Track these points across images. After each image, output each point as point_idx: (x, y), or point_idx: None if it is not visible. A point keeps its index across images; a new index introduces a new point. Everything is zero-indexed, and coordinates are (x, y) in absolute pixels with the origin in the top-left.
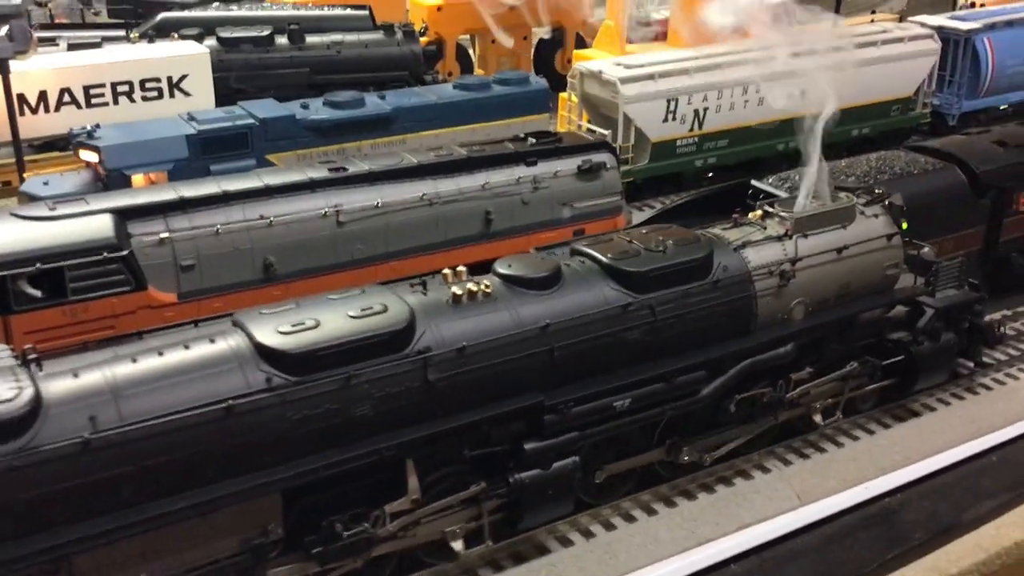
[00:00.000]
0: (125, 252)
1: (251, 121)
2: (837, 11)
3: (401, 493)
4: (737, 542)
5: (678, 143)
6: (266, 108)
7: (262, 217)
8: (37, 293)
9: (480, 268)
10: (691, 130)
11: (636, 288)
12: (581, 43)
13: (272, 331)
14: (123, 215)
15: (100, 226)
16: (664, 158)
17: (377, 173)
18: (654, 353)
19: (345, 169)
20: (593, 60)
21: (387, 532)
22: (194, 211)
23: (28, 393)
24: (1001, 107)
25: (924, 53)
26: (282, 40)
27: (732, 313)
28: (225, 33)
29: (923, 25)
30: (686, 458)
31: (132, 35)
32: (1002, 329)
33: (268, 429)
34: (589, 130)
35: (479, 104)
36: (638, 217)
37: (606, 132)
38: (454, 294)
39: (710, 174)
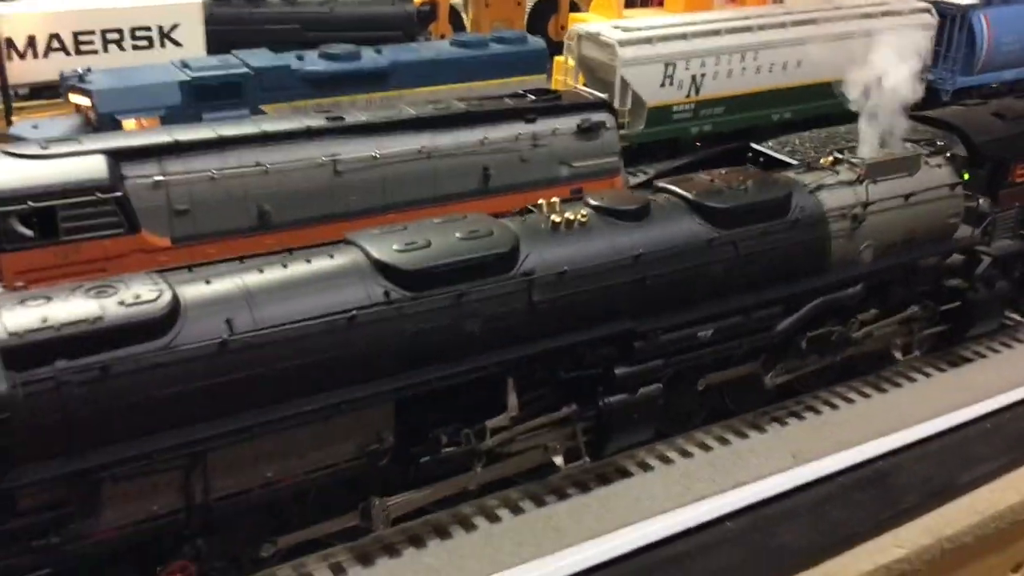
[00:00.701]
0: (118, 193)
1: (245, 70)
2: None
3: (502, 410)
4: (732, 500)
5: (674, 109)
6: (261, 58)
7: (258, 164)
8: (28, 232)
9: None
10: (688, 96)
11: (720, 224)
12: (575, 8)
13: (388, 248)
14: (117, 156)
15: (93, 166)
16: (660, 123)
17: (375, 124)
18: (735, 287)
19: (343, 119)
20: (590, 23)
21: (487, 447)
22: (189, 155)
23: (168, 295)
24: (993, 85)
25: (920, 27)
26: None
27: (808, 252)
28: None
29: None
30: (774, 380)
31: None
32: None
33: (386, 340)
34: (589, 94)
35: (476, 62)
36: (632, 182)
37: (603, 96)
38: (554, 221)
39: (698, 144)
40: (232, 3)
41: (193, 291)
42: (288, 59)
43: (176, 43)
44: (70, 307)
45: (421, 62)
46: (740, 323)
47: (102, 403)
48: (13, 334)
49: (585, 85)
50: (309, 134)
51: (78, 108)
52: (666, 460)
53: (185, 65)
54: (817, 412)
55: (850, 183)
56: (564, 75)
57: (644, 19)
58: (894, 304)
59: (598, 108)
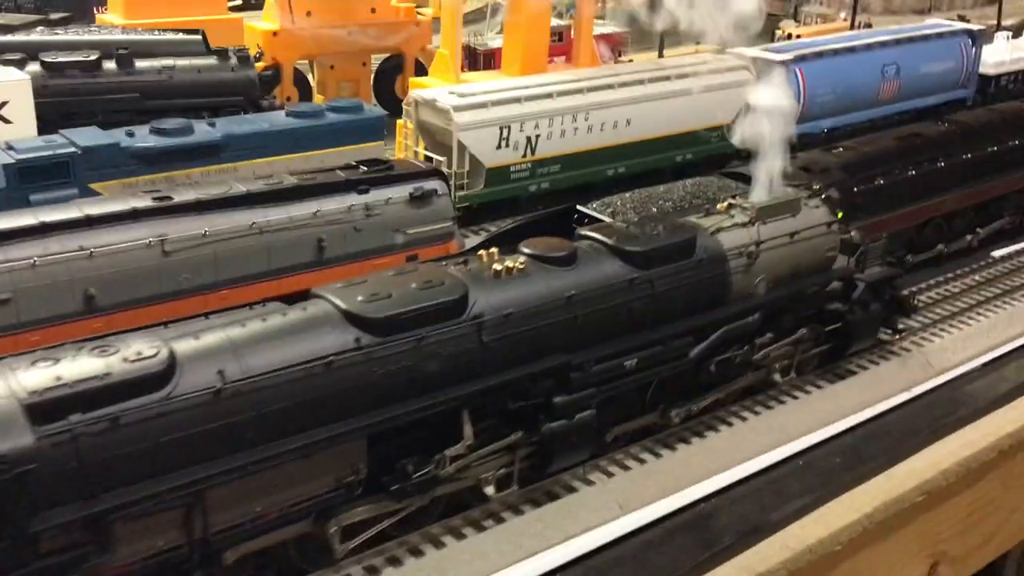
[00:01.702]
0: None
1: (73, 149)
2: (661, 45)
3: (458, 439)
4: (562, 553)
5: (512, 168)
6: (89, 136)
7: (82, 248)
8: None
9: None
10: (524, 156)
11: (639, 265)
12: (421, 69)
13: (354, 300)
14: None
15: None
16: (499, 183)
17: (204, 202)
18: (653, 320)
19: (171, 198)
20: (428, 88)
21: (447, 474)
22: (9, 243)
23: (165, 351)
24: (821, 133)
25: (740, 83)
26: (110, 65)
27: (712, 287)
28: (49, 58)
29: (740, 56)
30: (676, 419)
31: None
32: (915, 300)
33: (357, 382)
34: (426, 157)
35: (312, 132)
36: (471, 242)
37: (442, 158)
38: (495, 269)
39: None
40: (67, 74)
41: (186, 345)
42: (118, 136)
43: (5, 120)
44: (79, 365)
45: (256, 134)
46: (659, 352)
47: (112, 451)
48: (34, 392)
49: (425, 148)
50: (135, 215)
51: None
52: (498, 519)
53: (10, 147)
54: (641, 461)
55: (743, 225)
56: (405, 138)
57: (479, 83)
58: (786, 329)
59: (430, 176)
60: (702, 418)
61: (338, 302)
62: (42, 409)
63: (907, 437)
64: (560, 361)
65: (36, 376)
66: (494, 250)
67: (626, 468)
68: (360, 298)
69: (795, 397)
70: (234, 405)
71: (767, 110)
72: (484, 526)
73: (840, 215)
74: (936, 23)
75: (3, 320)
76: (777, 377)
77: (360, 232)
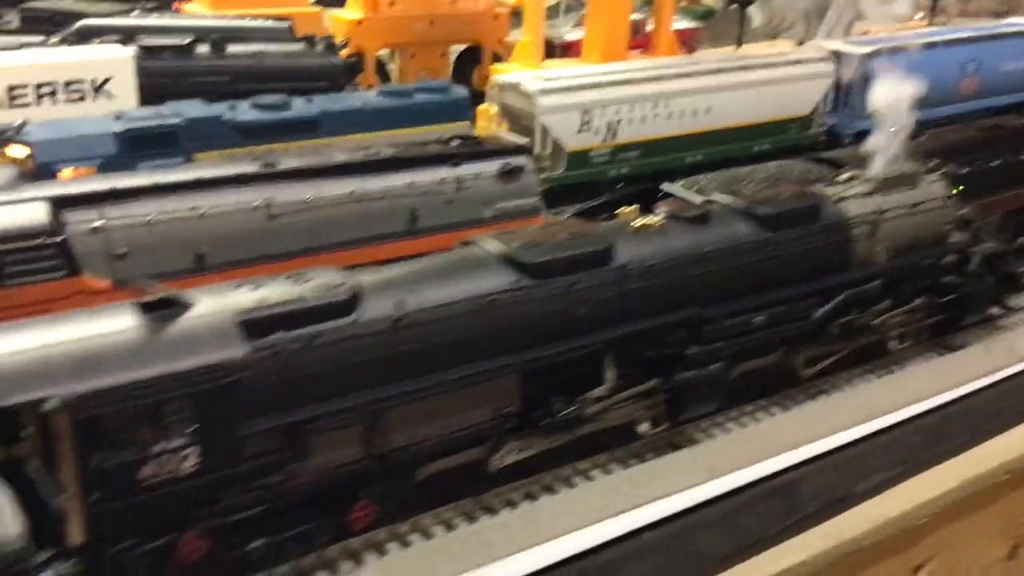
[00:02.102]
0: (60, 238)
1: (178, 120)
2: (740, 37)
3: (600, 383)
4: (651, 512)
5: (592, 153)
6: (193, 108)
7: (194, 208)
8: None
9: None
10: (605, 141)
11: (767, 227)
12: (497, 59)
13: (513, 245)
14: (58, 203)
15: (35, 212)
16: (579, 167)
17: (307, 170)
18: (779, 281)
19: (276, 165)
20: (511, 73)
21: (589, 414)
22: (127, 201)
23: (351, 282)
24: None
25: (820, 75)
26: (203, 49)
27: (835, 252)
28: (147, 41)
29: (819, 48)
30: (805, 371)
31: (52, 41)
32: None
33: (515, 321)
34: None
35: (402, 110)
36: None
37: (525, 141)
38: (636, 225)
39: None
40: (162, 56)
41: (367, 279)
42: (220, 109)
43: (109, 96)
44: (279, 291)
45: (350, 111)
46: (785, 311)
47: (307, 368)
48: (244, 311)
49: (509, 131)
50: (243, 180)
51: (14, 160)
52: (588, 477)
53: (119, 116)
54: (728, 431)
55: (866, 195)
56: (488, 122)
57: (562, 69)
58: (903, 297)
59: (518, 152)
60: (788, 391)
61: (497, 247)
62: (251, 326)
63: (990, 419)
64: (694, 313)
65: (245, 297)
66: (634, 207)
67: (712, 436)
68: (517, 244)
69: (878, 376)
70: (409, 334)
71: (892, 88)
72: (574, 483)
73: (957, 190)
74: (1017, 22)
75: (119, 274)
76: (894, 344)
77: (451, 204)
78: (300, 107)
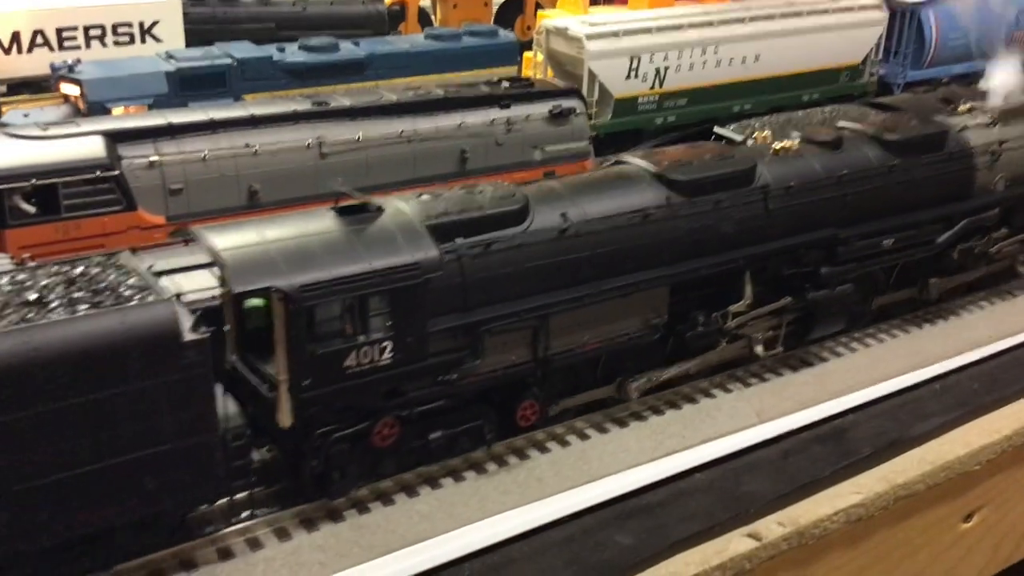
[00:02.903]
0: (116, 173)
1: (228, 60)
2: None
3: (739, 298)
4: (701, 454)
5: (640, 100)
6: (243, 49)
7: (247, 145)
8: (31, 209)
9: None
10: (652, 88)
11: (896, 153)
12: (540, 9)
13: (663, 164)
14: (114, 138)
15: (92, 147)
16: (626, 114)
17: (358, 109)
18: (907, 206)
19: (327, 104)
20: (558, 19)
21: (728, 328)
22: (182, 137)
23: (522, 194)
24: (943, 80)
25: (871, 23)
26: None
27: (959, 180)
28: None
29: None
30: (934, 293)
31: None
32: None
33: (666, 235)
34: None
35: (450, 54)
36: None
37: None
38: (775, 149)
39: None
40: (207, 2)
41: (535, 191)
42: (269, 50)
43: (156, 39)
44: (458, 201)
45: (397, 54)
46: (912, 235)
47: (484, 272)
48: (430, 217)
49: (554, 78)
50: (296, 118)
51: (67, 98)
52: (640, 417)
53: (171, 56)
54: (779, 375)
55: (986, 126)
56: (533, 70)
57: (610, 14)
58: (1018, 226)
59: (569, 95)
60: (839, 337)
61: (648, 166)
62: (438, 231)
63: None
64: (829, 234)
65: (429, 207)
66: (768, 132)
67: (763, 379)
68: (667, 163)
69: (933, 324)
70: (573, 244)
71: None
72: (626, 423)
73: None
74: None
75: (176, 209)
76: (1021, 268)
77: (501, 146)
78: (348, 50)
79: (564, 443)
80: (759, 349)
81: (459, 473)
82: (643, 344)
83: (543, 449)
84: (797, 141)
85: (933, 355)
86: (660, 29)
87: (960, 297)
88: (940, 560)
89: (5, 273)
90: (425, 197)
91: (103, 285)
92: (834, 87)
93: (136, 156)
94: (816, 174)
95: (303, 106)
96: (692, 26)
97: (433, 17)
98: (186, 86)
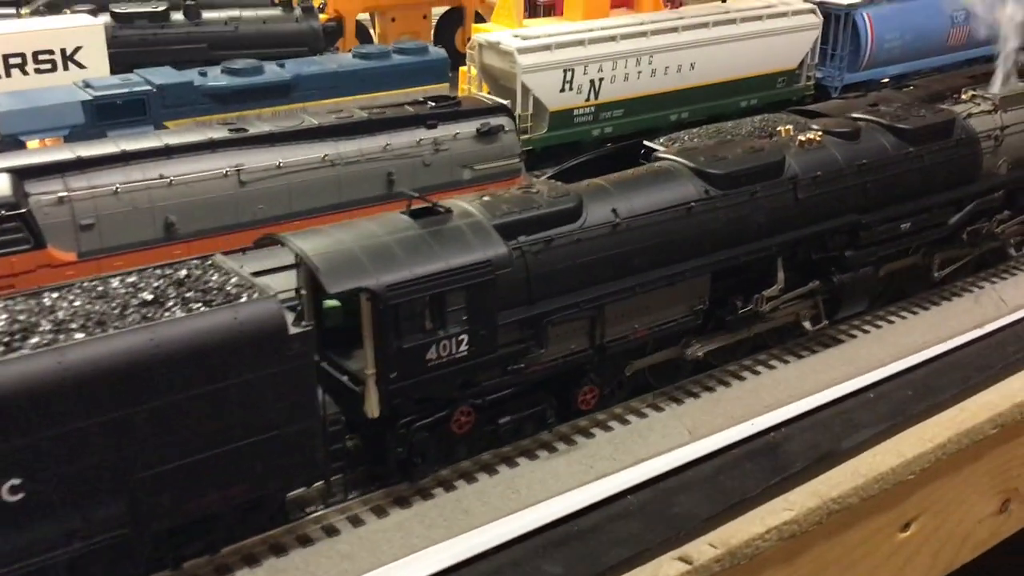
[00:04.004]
0: (23, 210)
1: (148, 87)
2: None
3: (772, 283)
4: (633, 475)
5: (575, 112)
6: (163, 75)
7: (162, 176)
8: None
9: None
10: (588, 99)
11: (909, 141)
12: (480, 20)
13: (700, 159)
14: (20, 175)
15: None
16: (562, 127)
17: (278, 134)
18: (921, 191)
19: (245, 130)
20: (491, 32)
21: (764, 311)
22: (92, 171)
23: (575, 191)
24: (882, 80)
25: (806, 27)
26: (178, 16)
27: (967, 164)
28: (119, 8)
29: (806, 0)
30: (936, 274)
31: (23, 11)
32: None
33: (707, 226)
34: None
35: (379, 73)
36: None
37: (505, 102)
38: (800, 140)
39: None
40: (135, 24)
41: (585, 189)
42: (191, 75)
43: (80, 65)
44: (517, 200)
45: (324, 74)
46: (927, 218)
47: (545, 266)
48: (496, 215)
49: (489, 93)
50: (212, 146)
51: None
52: (570, 441)
53: (88, 85)
54: (711, 390)
55: (989, 112)
56: (468, 84)
57: (542, 27)
58: (1019, 207)
59: (497, 112)
60: (772, 350)
61: (686, 161)
62: (503, 230)
63: (979, 372)
64: (853, 220)
65: (492, 207)
66: (790, 126)
67: (695, 396)
68: (702, 158)
69: (866, 332)
70: (624, 237)
71: (1009, 15)
72: (556, 448)
73: None
74: None
75: (88, 245)
76: (1012, 251)
77: (429, 167)
78: (273, 72)
79: (492, 472)
80: (807, 324)
81: (382, 508)
82: (687, 328)
83: (470, 479)
84: (819, 133)
85: (867, 364)
86: (593, 41)
87: (961, 279)
88: (879, 571)
89: (116, 276)
90: (486, 198)
91: (210, 285)
92: (771, 93)
93: (44, 192)
94: (838, 164)
95: (220, 133)
96: (626, 36)
97: (372, 32)
98: (104, 115)
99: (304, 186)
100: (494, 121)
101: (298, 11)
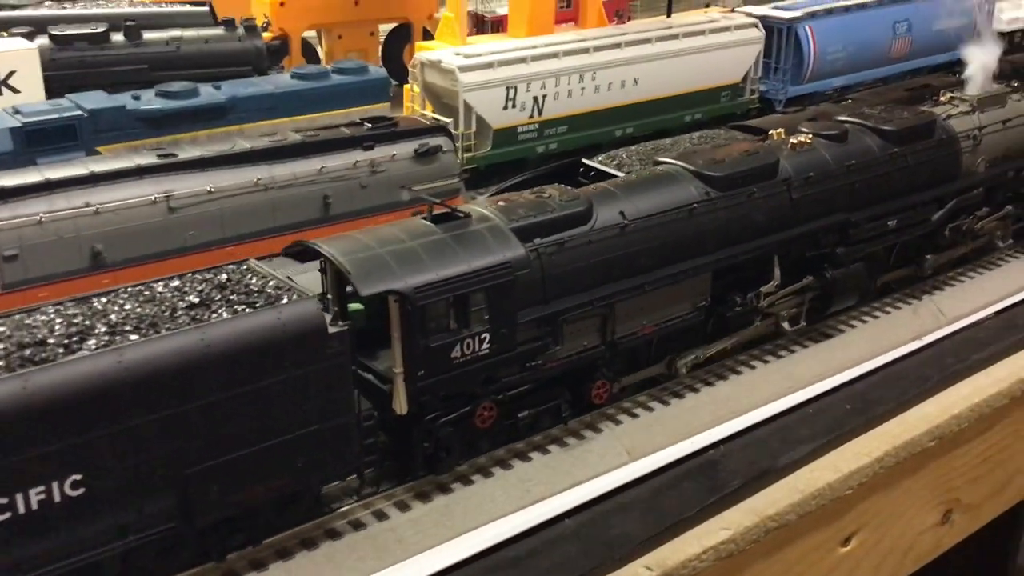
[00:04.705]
0: None
1: (79, 112)
2: (670, 4)
3: (769, 279)
4: (570, 499)
5: (519, 129)
6: (95, 99)
7: (88, 205)
8: None
9: None
10: (531, 116)
11: (894, 142)
12: (428, 37)
13: (699, 162)
14: None
15: None
16: (506, 144)
17: (208, 159)
18: (905, 190)
19: (175, 155)
20: (434, 50)
21: (762, 307)
22: (15, 200)
23: (585, 195)
24: (829, 92)
25: (749, 41)
26: (118, 37)
27: (948, 163)
28: (57, 30)
29: (748, 15)
30: (928, 270)
31: None
32: None
33: (708, 226)
34: (434, 119)
35: (318, 93)
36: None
37: (449, 120)
38: (792, 143)
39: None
40: (75, 46)
41: (594, 192)
42: (123, 99)
43: (13, 90)
44: (531, 204)
45: (260, 95)
46: (911, 216)
47: (560, 267)
48: (512, 219)
49: (433, 111)
50: (140, 172)
51: None
52: (506, 466)
53: (17, 111)
54: (649, 409)
55: (967, 113)
56: (412, 102)
57: (484, 44)
58: (997, 204)
59: (435, 132)
60: (710, 367)
61: (686, 165)
62: (520, 233)
63: (918, 384)
64: (843, 218)
65: (508, 211)
66: (782, 129)
67: (634, 416)
68: (701, 161)
69: (805, 346)
70: (632, 238)
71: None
72: (492, 472)
73: None
74: None
75: (11, 276)
76: (999, 243)
77: (366, 189)
78: (207, 94)
79: (426, 499)
80: (786, 325)
81: (312, 540)
82: (690, 324)
83: (403, 507)
84: (810, 136)
85: (806, 379)
86: (536, 58)
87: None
88: None
89: (159, 281)
90: (501, 203)
91: (251, 287)
92: (716, 107)
93: None
94: (828, 165)
95: (149, 159)
96: (568, 53)
97: (319, 50)
98: (33, 142)
99: (237, 211)
100: (432, 141)
101: (241, 30)
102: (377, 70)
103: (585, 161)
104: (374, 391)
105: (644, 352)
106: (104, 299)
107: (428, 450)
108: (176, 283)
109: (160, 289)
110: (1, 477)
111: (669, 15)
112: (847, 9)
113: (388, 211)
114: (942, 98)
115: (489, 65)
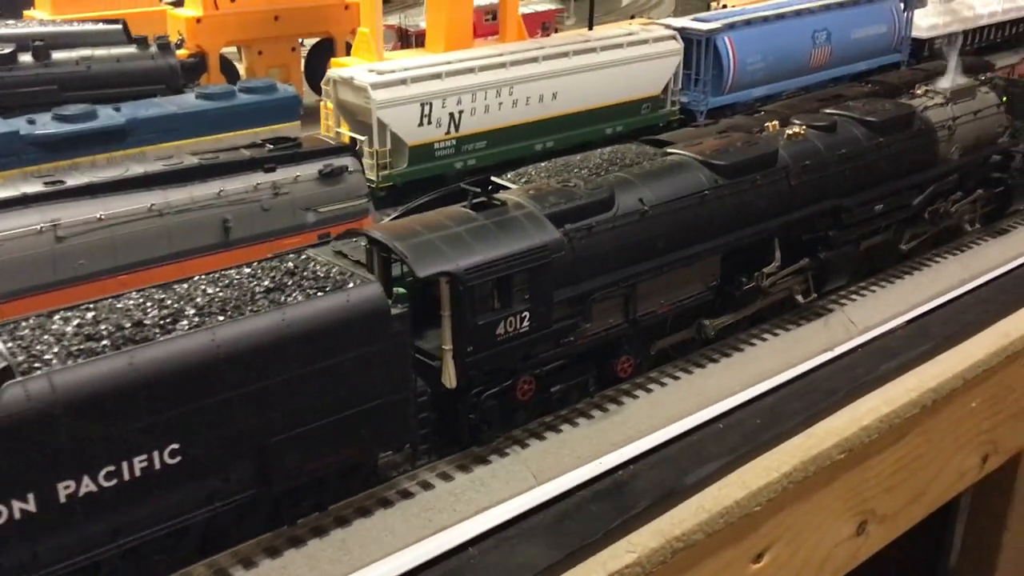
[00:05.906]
0: None
1: None
2: (591, 18)
3: (771, 261)
4: (474, 526)
5: (436, 146)
6: None
7: None
8: None
9: None
10: (448, 133)
11: (879, 132)
12: (351, 52)
13: (706, 152)
14: None
15: None
16: (422, 161)
17: (98, 185)
18: (889, 176)
19: (63, 182)
20: (348, 67)
21: (765, 286)
22: None
23: (608, 183)
24: (749, 102)
25: (668, 53)
26: (26, 58)
27: (926, 152)
28: None
29: (667, 27)
30: (904, 246)
31: None
32: None
33: (718, 211)
34: (352, 138)
35: (223, 113)
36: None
37: (363, 138)
38: (788, 134)
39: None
40: None
41: (615, 181)
42: (18, 124)
43: None
44: (561, 193)
45: (164, 116)
46: (896, 200)
47: (588, 250)
48: (545, 206)
49: (348, 128)
50: (24, 201)
51: None
52: (407, 495)
53: None
54: (557, 431)
55: (942, 104)
56: (327, 119)
57: (399, 60)
58: (968, 189)
59: (341, 152)
60: (620, 385)
61: (694, 154)
62: (553, 219)
63: (827, 396)
64: (836, 203)
65: (539, 200)
66: (776, 122)
67: (541, 438)
68: (708, 151)
69: (716, 361)
70: (651, 223)
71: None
72: (391, 501)
73: (1004, 100)
74: None
75: None
76: (967, 227)
77: (268, 212)
78: (106, 116)
79: (321, 533)
80: (799, 298)
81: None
82: (702, 303)
83: (297, 543)
84: (803, 127)
85: (716, 394)
86: (451, 73)
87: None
88: None
89: (232, 269)
90: (532, 192)
91: (318, 273)
92: (637, 119)
93: None
94: (821, 153)
95: (33, 187)
96: (484, 68)
97: (239, 66)
98: None
99: (129, 238)
100: (337, 162)
101: (154, 48)
102: (286, 88)
103: (493, 179)
104: (424, 368)
105: (660, 330)
106: (186, 285)
107: (473, 421)
108: (248, 270)
109: (235, 276)
110: (110, 447)
111: (591, 28)
112: (766, 19)
113: (292, 234)
114: (918, 91)
115: (402, 82)
